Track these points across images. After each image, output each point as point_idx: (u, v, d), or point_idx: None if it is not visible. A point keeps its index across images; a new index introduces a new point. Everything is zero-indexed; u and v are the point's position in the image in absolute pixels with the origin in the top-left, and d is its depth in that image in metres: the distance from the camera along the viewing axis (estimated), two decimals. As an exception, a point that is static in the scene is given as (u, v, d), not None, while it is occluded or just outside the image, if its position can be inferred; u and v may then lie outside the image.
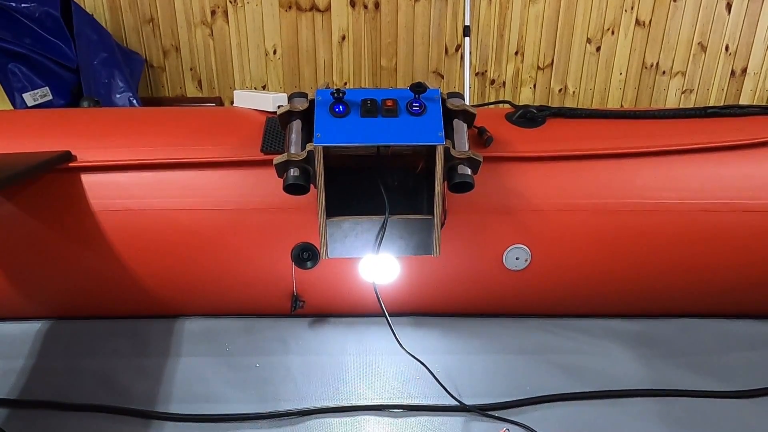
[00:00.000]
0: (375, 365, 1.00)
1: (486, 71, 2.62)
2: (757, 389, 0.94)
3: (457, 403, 0.90)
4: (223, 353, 1.03)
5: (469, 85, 2.46)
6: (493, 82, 2.65)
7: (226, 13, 2.43)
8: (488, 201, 1.00)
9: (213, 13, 2.42)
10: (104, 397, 0.93)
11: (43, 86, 1.95)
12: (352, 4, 2.46)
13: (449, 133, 0.90)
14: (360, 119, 0.85)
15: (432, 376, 0.94)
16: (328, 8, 2.46)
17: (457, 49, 2.57)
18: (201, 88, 2.55)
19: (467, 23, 2.40)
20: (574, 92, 2.70)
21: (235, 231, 1.02)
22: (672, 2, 2.56)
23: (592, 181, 1.02)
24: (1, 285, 1.03)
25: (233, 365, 1.00)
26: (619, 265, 1.04)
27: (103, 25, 2.28)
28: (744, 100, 2.77)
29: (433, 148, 0.85)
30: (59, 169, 0.99)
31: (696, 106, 2.68)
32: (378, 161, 0.95)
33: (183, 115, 1.12)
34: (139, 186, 1.01)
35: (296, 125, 0.91)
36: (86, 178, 1.01)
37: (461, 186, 0.88)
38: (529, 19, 2.54)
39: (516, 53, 2.60)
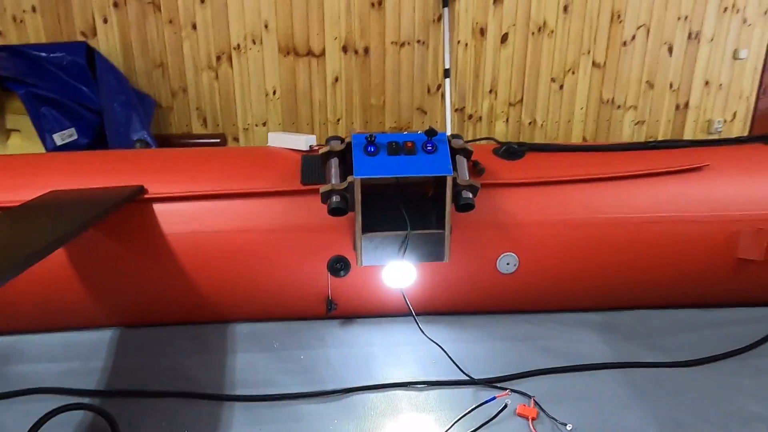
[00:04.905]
0: (397, 353, 1.23)
1: (464, 107, 2.94)
2: (697, 359, 1.21)
3: (467, 378, 1.14)
4: (272, 349, 1.24)
5: (450, 119, 2.76)
6: (470, 116, 2.96)
7: (230, 58, 2.68)
8: (483, 218, 1.26)
9: (218, 58, 2.67)
10: (179, 387, 1.13)
11: (70, 127, 2.15)
12: (344, 50, 2.75)
13: (454, 165, 1.16)
14: (387, 157, 1.10)
15: (448, 357, 1.17)
16: (322, 53, 2.74)
17: (438, 89, 2.87)
18: (206, 125, 2.78)
19: (447, 66, 2.71)
20: (542, 125, 3.03)
21: (280, 248, 1.25)
22: (622, 46, 2.94)
23: (564, 201, 1.29)
24: (82, 298, 1.23)
25: (282, 358, 1.21)
26: (586, 267, 1.30)
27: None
28: (688, 130, 3.16)
29: (444, 178, 1.11)
30: (136, 201, 1.21)
31: (646, 136, 3.05)
32: (396, 189, 1.20)
33: (230, 154, 1.36)
34: (200, 213, 1.24)
35: (334, 162, 1.16)
36: (157, 208, 1.23)
37: (465, 207, 1.14)
38: (501, 62, 2.88)
39: (490, 91, 2.93)
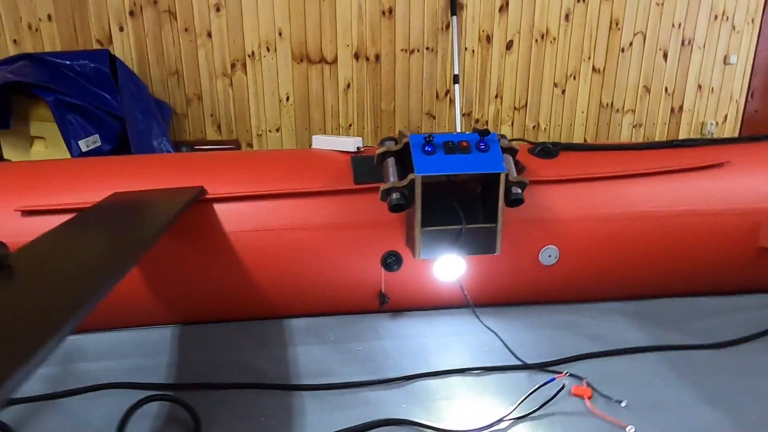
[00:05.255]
0: (449, 343, 1.29)
1: (471, 112, 3.03)
2: (725, 342, 1.30)
3: (520, 362, 1.21)
4: (329, 342, 1.29)
5: (460, 124, 2.85)
6: (477, 121, 3.05)
7: (244, 65, 2.73)
8: (525, 213, 1.34)
9: (233, 65, 2.72)
10: (245, 379, 1.18)
11: (95, 134, 2.18)
12: (356, 57, 2.82)
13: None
14: (444, 155, 1.17)
15: (501, 345, 1.24)
16: (335, 60, 2.81)
17: (446, 94, 2.96)
18: (220, 131, 2.82)
19: (456, 72, 2.80)
20: (545, 128, 3.13)
21: (335, 244, 1.31)
22: (620, 53, 3.07)
23: (598, 196, 1.38)
24: (144, 297, 1.27)
25: (339, 350, 1.27)
26: (620, 258, 1.39)
27: (136, 77, 2.53)
28: (682, 133, 3.30)
29: (496, 175, 1.18)
30: (197, 201, 1.26)
31: (643, 138, 3.17)
32: (447, 186, 1.27)
33: (279, 156, 1.41)
34: (259, 212, 1.29)
35: (391, 161, 1.23)
36: (217, 207, 1.28)
37: (515, 202, 1.21)
38: (506, 68, 2.98)
39: (496, 96, 3.03)
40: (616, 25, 3.01)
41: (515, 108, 3.06)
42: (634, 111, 3.19)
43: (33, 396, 1.10)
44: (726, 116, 3.30)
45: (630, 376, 1.19)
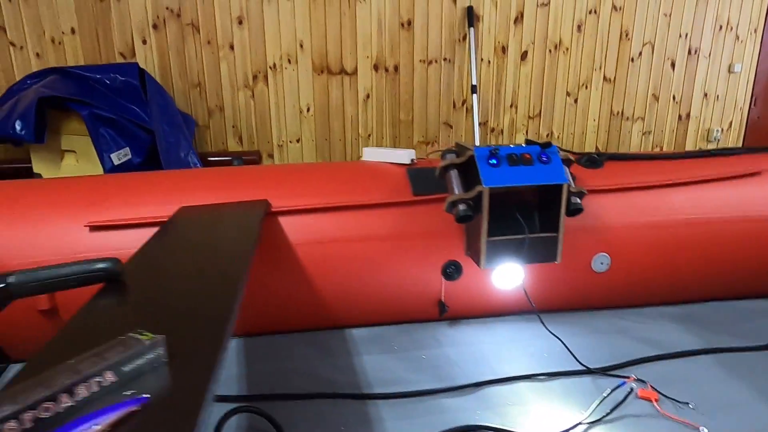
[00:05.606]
0: (509, 349, 1.32)
1: (487, 121, 3.08)
2: (775, 343, 1.36)
3: (583, 367, 1.25)
4: (393, 351, 1.32)
5: (478, 133, 2.90)
6: (492, 130, 3.11)
7: (266, 77, 2.75)
8: (578, 222, 1.38)
9: (255, 77, 2.74)
10: (315, 389, 1.19)
11: (125, 147, 2.18)
12: (375, 68, 2.86)
13: (560, 174, 1.28)
14: (509, 167, 1.21)
15: (560, 349, 1.28)
16: (354, 72, 2.84)
17: (463, 104, 3.01)
18: (241, 143, 2.83)
19: (474, 83, 2.86)
20: (558, 136, 3.20)
21: (395, 255, 1.33)
22: (630, 62, 3.15)
23: (647, 204, 1.43)
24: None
25: (404, 358, 1.29)
26: (668, 264, 1.44)
27: (161, 90, 2.54)
28: (689, 140, 3.39)
29: (558, 186, 1.22)
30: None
31: (653, 145, 3.25)
32: (506, 197, 1.31)
33: (337, 169, 1.44)
34: (322, 224, 1.31)
35: (454, 173, 1.26)
36: (282, 220, 1.30)
37: (575, 211, 1.25)
38: (521, 78, 3.04)
39: (511, 106, 3.08)
40: (626, 35, 3.09)
41: (529, 117, 3.12)
42: (643, 119, 3.27)
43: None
44: (731, 123, 3.40)
45: (688, 379, 1.23)
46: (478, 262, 1.26)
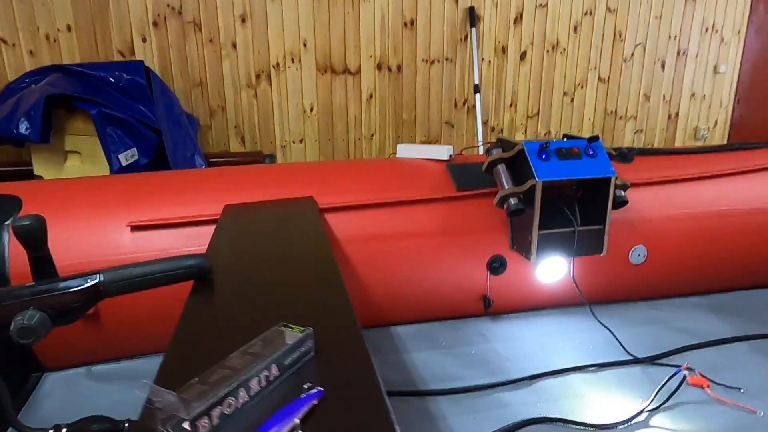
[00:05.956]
0: (555, 342, 1.33)
1: (488, 120, 3.11)
2: (805, 329, 1.41)
3: (632, 357, 1.26)
4: (441, 347, 1.31)
5: (481, 132, 2.93)
6: (493, 129, 3.14)
7: (269, 76, 2.71)
8: (617, 215, 1.41)
9: (258, 77, 2.70)
10: (372, 387, 1.18)
11: (133, 147, 2.12)
12: (378, 68, 2.85)
13: (603, 168, 1.30)
14: (559, 161, 1.22)
15: (606, 340, 1.30)
16: (358, 71, 2.83)
17: (464, 103, 3.03)
18: (244, 143, 2.78)
19: (477, 82, 2.88)
20: (555, 135, 3.25)
21: (440, 250, 1.33)
22: (623, 63, 3.23)
23: (680, 197, 1.46)
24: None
25: (453, 354, 1.29)
26: (702, 254, 1.48)
27: (162, 89, 2.47)
28: (678, 138, 3.49)
29: (606, 179, 1.24)
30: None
31: (644, 143, 3.34)
32: (551, 190, 1.32)
33: (376, 166, 1.42)
34: (367, 221, 1.30)
35: (502, 168, 1.27)
36: (328, 216, 1.28)
37: (620, 204, 1.27)
38: (520, 78, 3.08)
39: (510, 105, 3.12)
40: (620, 36, 3.16)
41: (528, 116, 3.16)
42: (635, 118, 3.35)
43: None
44: (716, 122, 3.52)
45: (732, 365, 1.26)
46: (527, 256, 1.26)
